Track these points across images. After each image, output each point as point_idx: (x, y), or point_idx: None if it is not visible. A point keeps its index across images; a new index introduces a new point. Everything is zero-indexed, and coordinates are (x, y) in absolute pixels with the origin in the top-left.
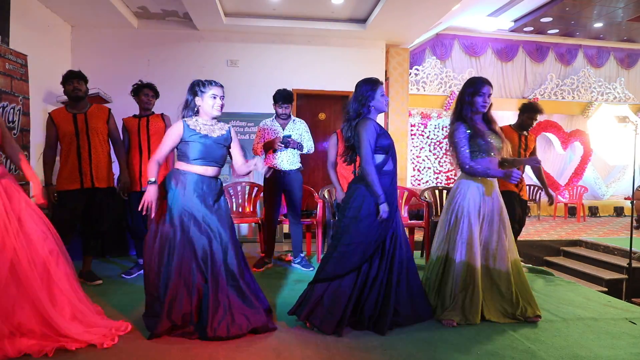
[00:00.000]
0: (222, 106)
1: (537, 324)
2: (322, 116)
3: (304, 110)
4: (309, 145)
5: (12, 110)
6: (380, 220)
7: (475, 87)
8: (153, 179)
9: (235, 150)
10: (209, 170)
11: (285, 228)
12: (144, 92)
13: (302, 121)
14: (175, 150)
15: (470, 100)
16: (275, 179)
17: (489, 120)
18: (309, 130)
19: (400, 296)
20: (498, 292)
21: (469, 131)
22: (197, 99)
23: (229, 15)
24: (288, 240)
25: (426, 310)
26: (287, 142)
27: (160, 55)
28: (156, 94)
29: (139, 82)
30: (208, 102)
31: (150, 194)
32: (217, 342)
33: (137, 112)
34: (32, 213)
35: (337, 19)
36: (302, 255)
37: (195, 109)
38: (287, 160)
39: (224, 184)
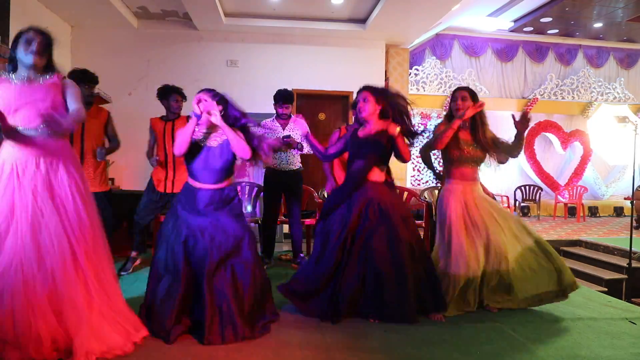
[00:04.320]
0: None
1: (537, 324)
2: (322, 116)
3: (304, 110)
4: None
5: None
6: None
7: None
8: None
9: None
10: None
11: (285, 228)
12: (173, 97)
13: (303, 121)
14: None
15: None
16: (275, 179)
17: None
18: (308, 130)
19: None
20: (507, 287)
21: None
22: None
23: (228, 16)
24: (288, 240)
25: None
26: (287, 142)
27: (160, 55)
28: (184, 98)
29: (166, 86)
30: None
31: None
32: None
33: (165, 114)
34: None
35: (337, 19)
36: (302, 255)
37: None
38: (287, 160)
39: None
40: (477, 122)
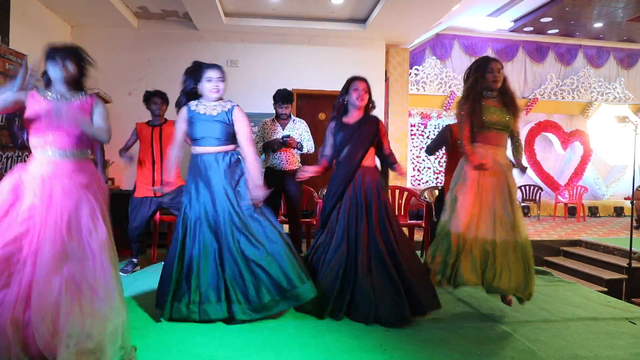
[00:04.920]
0: (219, 89)
1: (537, 324)
2: (322, 116)
3: (304, 110)
4: (308, 145)
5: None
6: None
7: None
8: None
9: (239, 134)
10: (209, 149)
11: (285, 228)
12: (152, 100)
13: (302, 121)
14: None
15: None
16: (275, 179)
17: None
18: (309, 130)
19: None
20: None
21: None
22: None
23: (229, 15)
24: None
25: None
26: (287, 142)
27: (160, 55)
28: (165, 101)
29: (147, 91)
30: (205, 86)
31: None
32: (218, 343)
33: (150, 118)
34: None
35: (337, 19)
36: (302, 255)
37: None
38: (287, 160)
39: None
40: (507, 87)
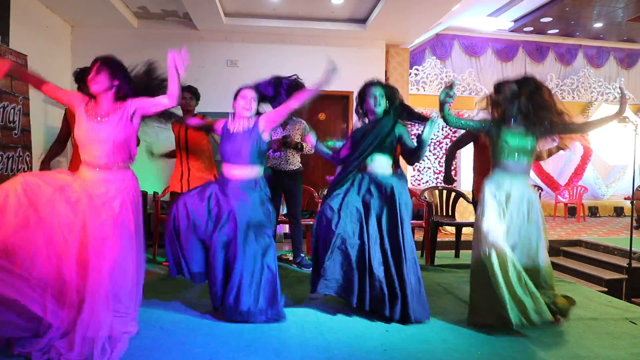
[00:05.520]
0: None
1: (537, 324)
2: (322, 116)
3: (304, 110)
4: (308, 146)
5: (12, 110)
6: None
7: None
8: None
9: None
10: (234, 170)
11: (285, 228)
12: (182, 95)
13: (302, 121)
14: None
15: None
16: (275, 179)
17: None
18: (309, 131)
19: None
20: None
21: None
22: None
23: (229, 16)
24: (288, 241)
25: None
26: (287, 143)
27: (160, 55)
28: (195, 96)
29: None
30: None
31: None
32: (218, 343)
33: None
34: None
35: (337, 19)
36: (302, 255)
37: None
38: (287, 160)
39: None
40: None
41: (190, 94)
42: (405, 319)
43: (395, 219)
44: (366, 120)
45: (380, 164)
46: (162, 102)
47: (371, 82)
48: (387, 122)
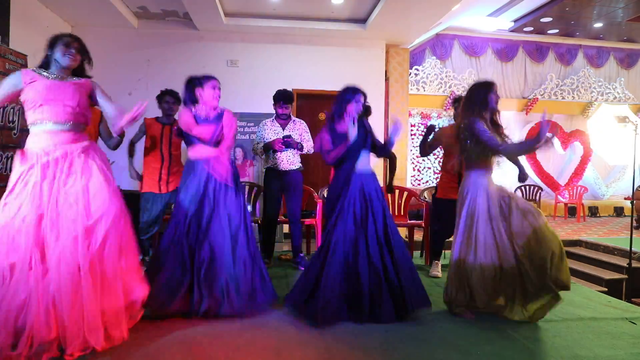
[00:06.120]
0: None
1: (537, 324)
2: (322, 116)
3: (304, 110)
4: (308, 146)
5: (12, 110)
6: None
7: (488, 87)
8: None
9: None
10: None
11: (285, 228)
12: (164, 99)
13: (302, 121)
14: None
15: (484, 99)
16: (275, 179)
17: (495, 124)
18: (308, 131)
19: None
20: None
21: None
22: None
23: (229, 15)
24: (288, 240)
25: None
26: (288, 143)
27: (160, 55)
28: (178, 101)
29: (163, 90)
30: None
31: None
32: (218, 343)
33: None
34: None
35: (337, 19)
36: (302, 255)
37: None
38: (287, 160)
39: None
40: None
41: (173, 98)
42: (403, 310)
43: (380, 215)
44: (342, 123)
45: (364, 162)
46: (111, 112)
47: (356, 88)
48: (366, 122)
